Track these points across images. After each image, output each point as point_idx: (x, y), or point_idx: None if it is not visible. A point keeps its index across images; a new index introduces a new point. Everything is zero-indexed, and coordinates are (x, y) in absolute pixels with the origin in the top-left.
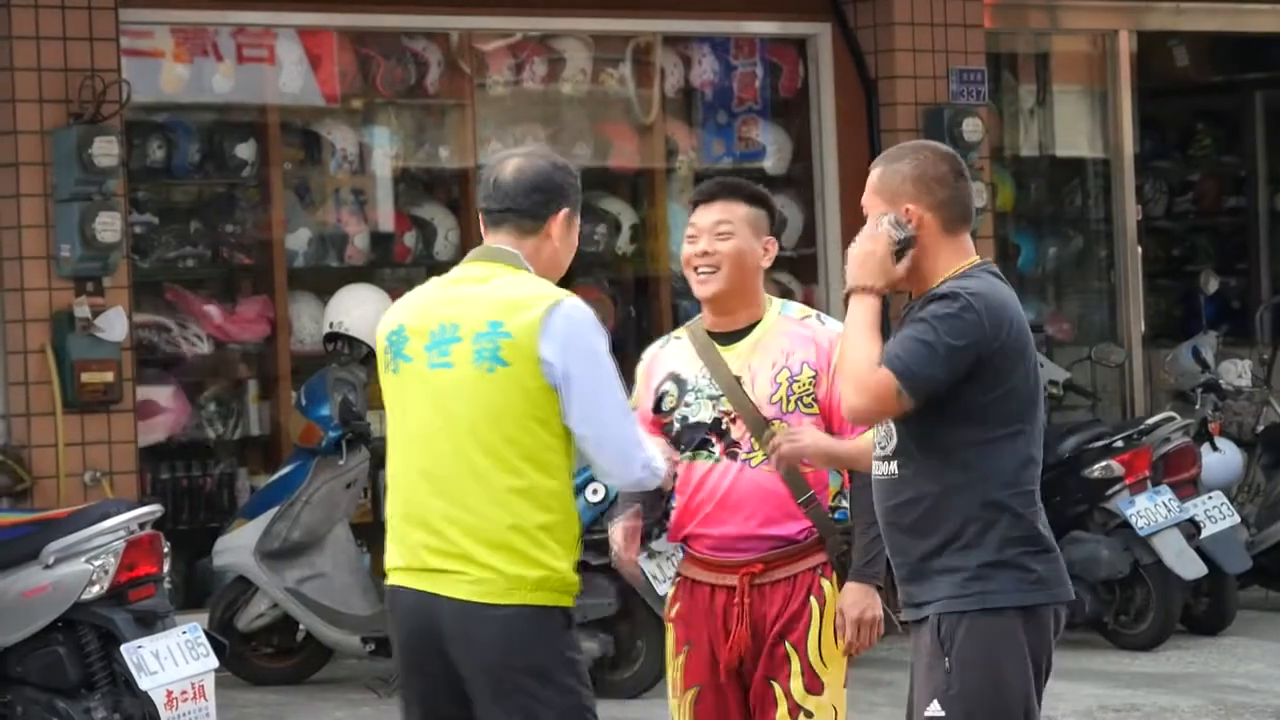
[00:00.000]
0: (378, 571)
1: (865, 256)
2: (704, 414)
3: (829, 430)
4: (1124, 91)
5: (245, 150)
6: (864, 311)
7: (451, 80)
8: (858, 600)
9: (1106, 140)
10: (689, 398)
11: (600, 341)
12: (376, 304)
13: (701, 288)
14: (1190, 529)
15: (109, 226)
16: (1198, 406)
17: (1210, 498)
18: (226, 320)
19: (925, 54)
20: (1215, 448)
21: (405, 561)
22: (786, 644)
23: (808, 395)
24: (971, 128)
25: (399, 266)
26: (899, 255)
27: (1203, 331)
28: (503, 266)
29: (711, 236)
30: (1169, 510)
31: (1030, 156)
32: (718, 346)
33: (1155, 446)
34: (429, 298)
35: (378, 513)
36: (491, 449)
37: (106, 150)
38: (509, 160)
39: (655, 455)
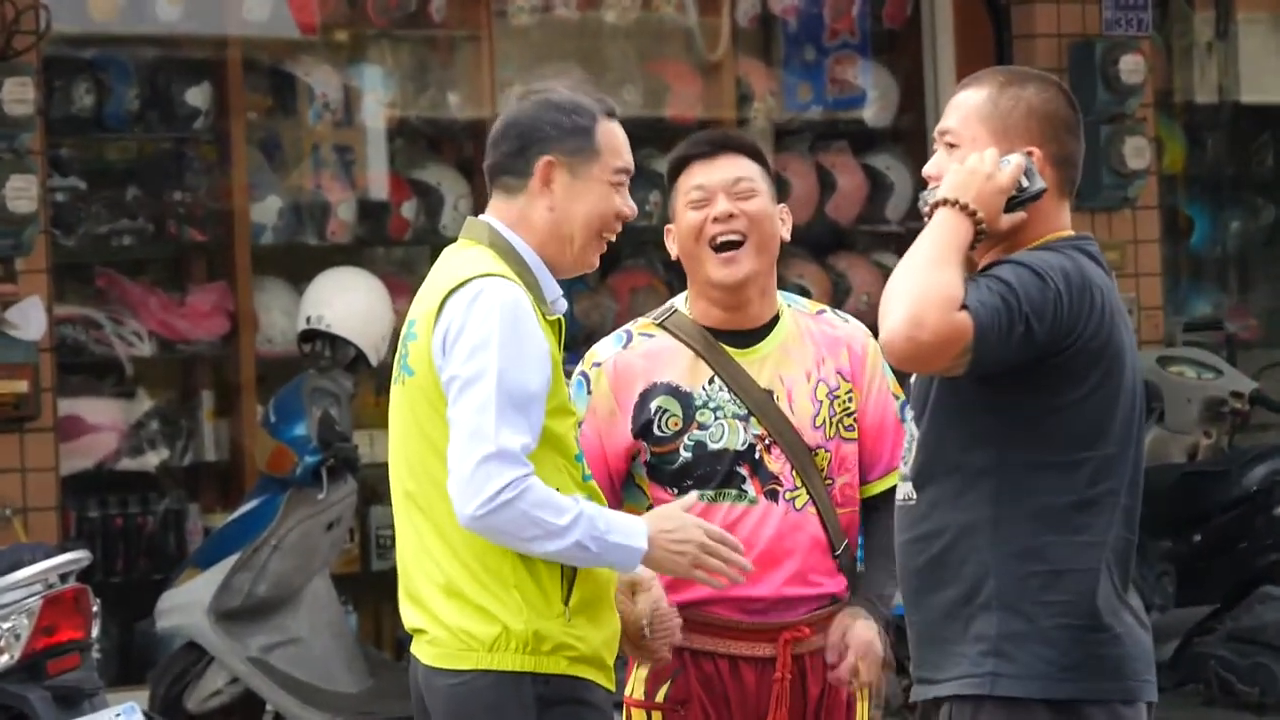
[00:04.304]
0: (366, 636)
1: (979, 177)
2: (731, 439)
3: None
4: None
5: (197, 96)
6: (951, 231)
7: (463, 7)
8: (869, 630)
9: None
10: (703, 417)
11: (495, 330)
12: (365, 293)
13: (728, 268)
14: None
15: (23, 193)
16: None
17: None
18: (174, 314)
19: None
20: None
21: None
22: None
23: (848, 416)
24: (1131, 66)
25: (395, 245)
26: (1013, 207)
27: None
28: (468, 243)
29: (730, 195)
30: None
31: (1207, 104)
32: (729, 350)
33: None
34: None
35: (367, 560)
36: (427, 476)
37: (19, 95)
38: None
39: (510, 505)
